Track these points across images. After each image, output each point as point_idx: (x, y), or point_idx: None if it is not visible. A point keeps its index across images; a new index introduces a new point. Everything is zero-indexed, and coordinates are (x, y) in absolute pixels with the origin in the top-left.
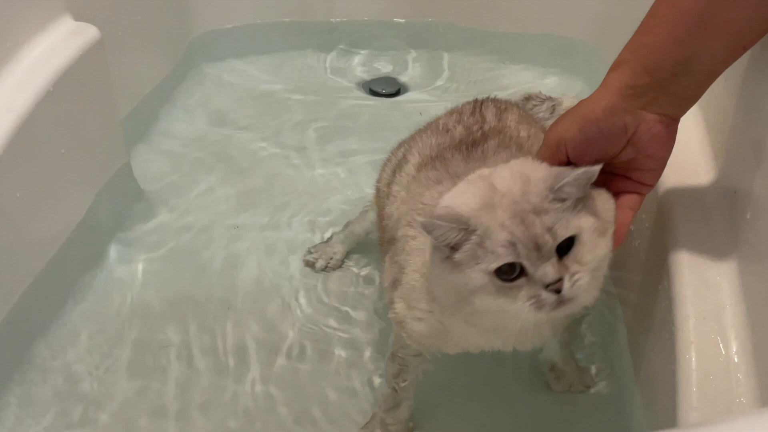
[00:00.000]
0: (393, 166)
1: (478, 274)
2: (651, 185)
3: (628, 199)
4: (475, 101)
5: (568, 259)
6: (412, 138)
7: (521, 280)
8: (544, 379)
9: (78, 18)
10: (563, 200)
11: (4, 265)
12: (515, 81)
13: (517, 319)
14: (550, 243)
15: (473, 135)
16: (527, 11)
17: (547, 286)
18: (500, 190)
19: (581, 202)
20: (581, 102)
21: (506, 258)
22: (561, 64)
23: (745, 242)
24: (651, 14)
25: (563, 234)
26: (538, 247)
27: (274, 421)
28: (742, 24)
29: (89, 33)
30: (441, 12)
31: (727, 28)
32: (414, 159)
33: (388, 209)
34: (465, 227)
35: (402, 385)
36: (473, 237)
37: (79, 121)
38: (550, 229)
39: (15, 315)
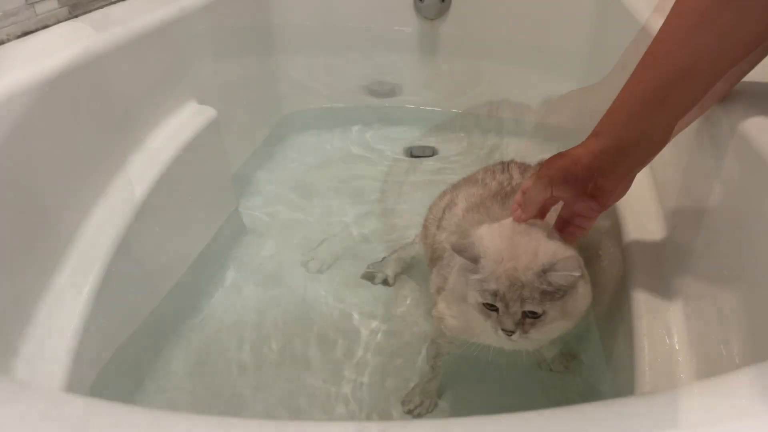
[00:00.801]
0: (441, 207)
1: (473, 294)
2: (605, 208)
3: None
4: (503, 163)
5: (530, 323)
6: (456, 187)
7: (494, 313)
8: (536, 360)
9: (201, 102)
10: (550, 284)
11: (144, 282)
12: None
13: (480, 331)
14: (517, 308)
15: (505, 188)
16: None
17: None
18: (514, 251)
19: (566, 292)
20: (568, 154)
21: (488, 299)
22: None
23: (683, 263)
24: (621, 94)
25: (529, 308)
26: (507, 306)
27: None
28: (689, 101)
29: (208, 113)
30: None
31: (678, 106)
32: (462, 204)
33: (438, 237)
34: (473, 265)
35: (438, 364)
36: (478, 273)
37: (201, 176)
38: (523, 299)
39: (151, 321)
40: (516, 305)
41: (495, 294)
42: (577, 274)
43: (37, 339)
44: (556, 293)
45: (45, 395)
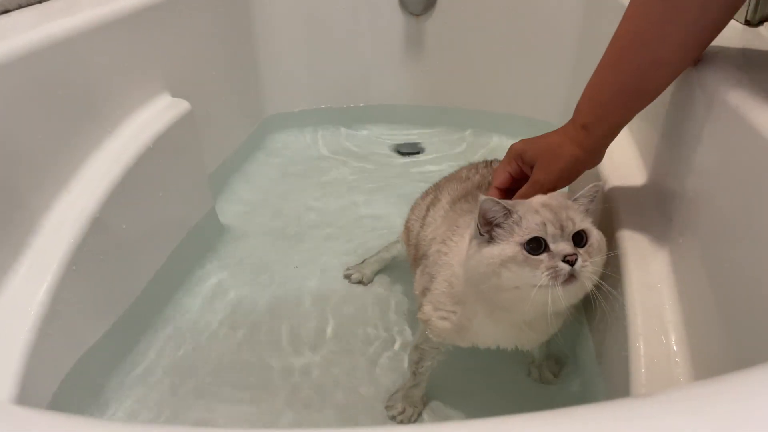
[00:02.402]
0: (425, 206)
1: (512, 245)
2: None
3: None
4: (486, 160)
5: (582, 250)
6: (438, 186)
7: (543, 255)
8: (526, 368)
9: (175, 95)
10: (582, 204)
11: (114, 282)
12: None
13: (532, 295)
14: (571, 227)
15: (488, 180)
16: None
17: (564, 258)
18: (532, 198)
19: (591, 222)
20: (564, 152)
21: (537, 232)
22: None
23: (679, 257)
24: (595, 84)
25: (580, 225)
26: (562, 228)
27: (323, 384)
28: (663, 86)
29: (182, 106)
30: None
31: (654, 92)
32: (446, 198)
33: (423, 233)
34: (508, 209)
35: (421, 370)
36: (514, 216)
37: (174, 173)
38: (571, 219)
39: (123, 319)
40: (570, 225)
41: (543, 224)
42: (600, 183)
43: None
44: (588, 215)
45: None
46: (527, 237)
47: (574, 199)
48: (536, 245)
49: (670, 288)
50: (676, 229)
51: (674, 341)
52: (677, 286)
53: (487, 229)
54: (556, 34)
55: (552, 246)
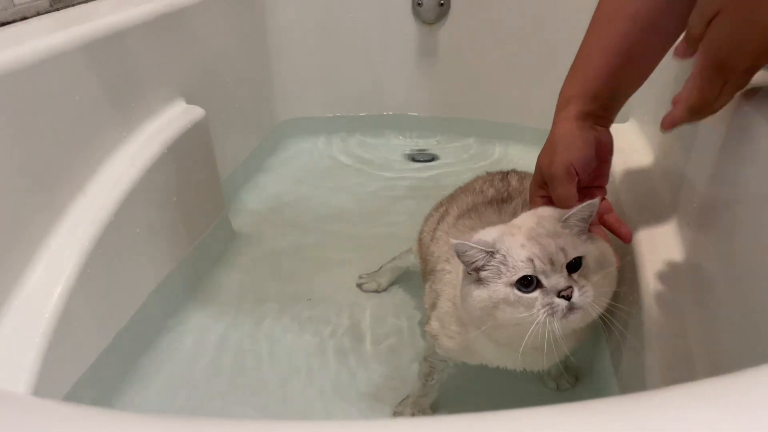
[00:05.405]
0: (436, 219)
1: (501, 287)
2: (605, 185)
3: (602, 205)
4: (502, 172)
5: (577, 275)
6: (451, 197)
7: (536, 292)
8: (540, 378)
9: (190, 102)
10: (571, 228)
11: (122, 284)
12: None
13: (530, 332)
14: (562, 259)
15: (502, 194)
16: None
17: (559, 294)
18: (518, 225)
19: (587, 238)
20: (550, 139)
21: (525, 270)
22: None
23: (697, 262)
24: (581, 56)
25: (573, 253)
26: (552, 262)
27: (330, 387)
28: (648, 59)
29: (197, 112)
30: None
31: (639, 62)
32: (453, 212)
33: (432, 248)
34: (491, 249)
35: (431, 382)
36: (497, 256)
37: (188, 178)
38: (562, 249)
39: (135, 322)
40: (560, 256)
41: (530, 260)
42: (596, 201)
43: (3, 341)
44: (582, 233)
45: (12, 400)
46: (515, 277)
47: (565, 219)
48: (527, 282)
49: (689, 294)
50: (694, 234)
51: (693, 347)
52: (696, 292)
53: (474, 269)
54: (570, 44)
55: (545, 282)
